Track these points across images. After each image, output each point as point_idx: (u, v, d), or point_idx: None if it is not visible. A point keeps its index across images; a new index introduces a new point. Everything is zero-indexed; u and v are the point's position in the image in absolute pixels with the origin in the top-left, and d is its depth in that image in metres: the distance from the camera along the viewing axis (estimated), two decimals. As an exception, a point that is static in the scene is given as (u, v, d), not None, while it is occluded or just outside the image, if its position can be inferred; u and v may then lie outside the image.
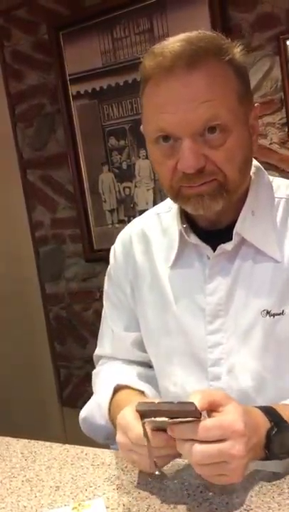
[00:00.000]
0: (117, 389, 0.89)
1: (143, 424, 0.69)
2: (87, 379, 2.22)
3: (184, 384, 0.91)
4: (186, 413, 0.65)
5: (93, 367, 1.08)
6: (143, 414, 0.69)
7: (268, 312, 0.83)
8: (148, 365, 0.99)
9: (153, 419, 0.68)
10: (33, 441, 0.99)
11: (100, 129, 1.94)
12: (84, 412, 0.98)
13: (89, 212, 2.03)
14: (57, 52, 1.94)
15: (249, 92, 0.81)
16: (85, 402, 0.99)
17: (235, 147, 0.77)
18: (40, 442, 0.98)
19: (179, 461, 0.79)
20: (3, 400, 2.18)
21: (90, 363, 2.19)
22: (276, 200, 0.87)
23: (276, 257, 0.83)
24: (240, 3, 1.61)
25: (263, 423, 0.69)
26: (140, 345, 0.98)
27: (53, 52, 1.96)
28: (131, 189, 1.93)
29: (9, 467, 0.90)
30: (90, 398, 0.99)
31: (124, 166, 1.92)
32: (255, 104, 0.83)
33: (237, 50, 0.78)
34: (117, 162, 1.94)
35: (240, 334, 0.85)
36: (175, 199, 0.84)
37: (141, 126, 0.84)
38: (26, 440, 1.00)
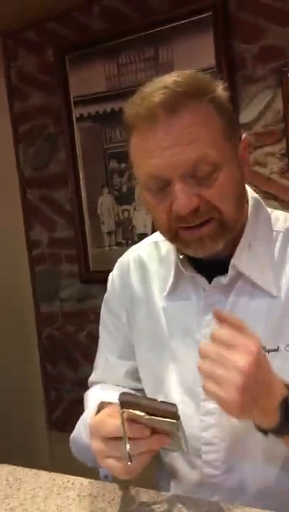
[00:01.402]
0: (102, 406, 0.87)
1: (122, 414, 0.68)
2: (77, 402, 2.18)
3: None
4: (165, 412, 0.65)
5: (84, 390, 1.06)
6: (123, 404, 0.68)
7: (262, 348, 0.81)
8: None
9: (132, 410, 0.67)
10: (18, 467, 0.97)
11: (101, 152, 1.95)
12: (73, 433, 0.96)
13: (86, 233, 2.02)
14: (62, 75, 1.97)
15: (235, 126, 0.81)
16: (73, 426, 0.97)
17: (227, 183, 0.76)
18: (26, 469, 0.95)
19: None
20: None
21: (80, 386, 2.16)
22: (274, 233, 0.86)
23: (272, 292, 0.82)
24: (244, 34, 1.64)
25: (279, 384, 0.70)
26: (133, 375, 0.96)
27: (58, 74, 1.98)
28: (130, 212, 1.93)
29: (-7, 495, 0.88)
30: (79, 422, 0.98)
31: (124, 188, 1.93)
32: (243, 135, 0.83)
33: (219, 88, 0.79)
34: (117, 185, 1.94)
35: None
36: (173, 242, 0.83)
37: (133, 169, 0.83)
38: (12, 466, 0.97)
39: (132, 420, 0.68)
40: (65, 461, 1.00)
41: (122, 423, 0.68)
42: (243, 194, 0.83)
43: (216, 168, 0.75)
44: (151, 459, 0.73)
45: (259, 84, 1.64)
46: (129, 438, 0.68)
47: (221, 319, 0.70)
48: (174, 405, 0.65)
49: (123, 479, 0.74)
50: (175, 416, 0.65)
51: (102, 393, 0.93)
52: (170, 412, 0.65)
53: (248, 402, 0.66)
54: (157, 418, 0.66)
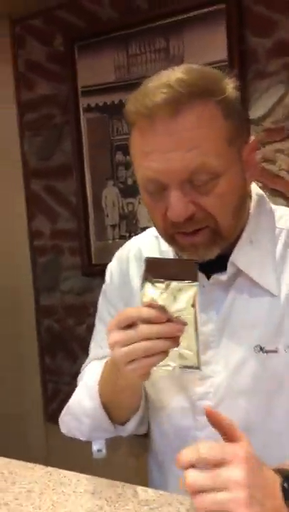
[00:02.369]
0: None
1: (143, 281, 0.68)
2: (75, 396, 2.17)
3: (170, 416, 0.87)
4: (184, 271, 0.67)
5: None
6: (147, 267, 0.68)
7: (261, 348, 0.79)
8: None
9: (153, 279, 0.67)
10: (14, 460, 0.95)
11: (107, 143, 1.92)
12: (67, 404, 0.94)
13: (90, 225, 2.00)
14: (70, 64, 1.94)
15: (242, 127, 0.76)
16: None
17: (227, 191, 0.73)
18: (21, 462, 0.94)
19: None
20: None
21: (79, 380, 2.15)
22: (277, 230, 0.83)
23: (272, 291, 0.79)
24: (257, 28, 1.61)
25: (276, 478, 0.63)
26: None
27: (66, 63, 1.95)
28: (134, 205, 1.90)
29: (-13, 488, 0.86)
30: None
31: (130, 181, 1.90)
32: (252, 137, 0.79)
33: (229, 87, 0.74)
34: (122, 177, 1.92)
35: (231, 369, 0.81)
36: (170, 244, 0.81)
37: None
38: (7, 459, 0.95)
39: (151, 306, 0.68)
40: (61, 454, 0.98)
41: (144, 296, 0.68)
42: (244, 201, 0.80)
43: (216, 176, 0.72)
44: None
45: (271, 79, 1.61)
46: (146, 322, 0.67)
47: (212, 418, 0.65)
48: (192, 261, 0.69)
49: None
50: (193, 276, 0.67)
51: (99, 364, 0.90)
52: (190, 267, 0.67)
53: (258, 508, 0.60)
54: (176, 282, 0.67)
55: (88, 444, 0.97)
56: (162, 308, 0.67)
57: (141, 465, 1.89)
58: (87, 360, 1.02)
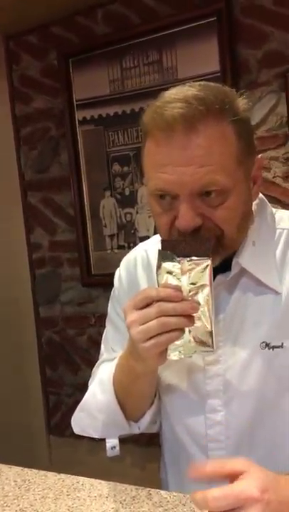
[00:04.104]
0: None
1: (159, 267, 0.73)
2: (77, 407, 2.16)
3: (181, 414, 0.89)
4: (198, 249, 0.71)
5: (84, 395, 1.06)
6: (163, 245, 0.73)
7: (267, 344, 0.82)
8: None
9: (168, 263, 0.72)
10: (26, 469, 0.95)
11: (104, 155, 1.95)
12: (81, 401, 0.96)
13: (88, 236, 2.02)
14: (65, 78, 1.97)
15: (251, 147, 0.79)
16: (73, 432, 0.95)
17: (235, 206, 0.76)
18: (33, 470, 0.94)
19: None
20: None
21: (80, 391, 2.14)
22: (278, 231, 0.86)
23: (276, 288, 0.82)
24: (249, 39, 1.65)
25: None
26: None
27: (61, 78, 1.98)
28: (132, 215, 1.93)
29: (1, 495, 0.86)
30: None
31: (127, 191, 1.93)
32: (259, 156, 0.82)
33: (240, 103, 0.77)
34: (119, 188, 1.94)
35: (239, 366, 0.83)
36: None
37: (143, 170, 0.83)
38: (19, 468, 0.96)
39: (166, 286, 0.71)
40: (64, 467, 0.98)
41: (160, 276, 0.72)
42: (249, 214, 0.83)
43: (225, 193, 0.75)
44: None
45: (263, 89, 1.65)
46: (162, 300, 0.71)
47: (201, 475, 0.63)
48: (207, 241, 0.72)
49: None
50: (207, 253, 0.71)
51: (112, 363, 0.92)
52: (204, 250, 0.71)
53: None
54: (191, 261, 0.71)
55: (91, 456, 0.98)
56: (178, 288, 0.71)
57: (145, 476, 1.89)
58: (98, 363, 1.04)
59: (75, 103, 1.97)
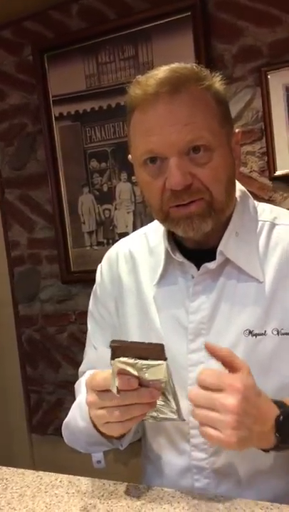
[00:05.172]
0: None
1: (114, 363, 0.70)
2: (59, 404, 2.15)
3: None
4: (152, 352, 0.69)
5: (65, 392, 1.05)
6: (114, 352, 0.70)
7: (250, 332, 0.84)
8: None
9: (122, 359, 0.69)
10: (4, 467, 0.95)
11: (81, 151, 1.94)
12: (66, 419, 0.96)
13: (67, 233, 2.01)
14: (41, 74, 1.95)
15: (229, 117, 0.85)
16: (55, 429, 0.95)
17: (220, 166, 0.80)
18: (11, 469, 0.94)
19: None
20: None
21: (62, 388, 2.14)
22: (260, 223, 0.89)
23: (258, 277, 0.84)
24: (223, 34, 1.66)
25: (271, 407, 0.73)
26: None
27: (36, 73, 1.96)
28: (111, 211, 1.92)
29: (-22, 495, 0.86)
30: (61, 425, 0.97)
31: (105, 188, 1.92)
32: (236, 130, 0.86)
33: (216, 80, 0.83)
34: (97, 184, 1.93)
35: None
36: (164, 222, 0.86)
37: (129, 156, 0.87)
38: (-3, 466, 0.95)
39: (122, 373, 0.70)
40: (46, 465, 0.98)
41: (113, 373, 0.69)
42: (233, 182, 0.86)
43: (210, 150, 0.79)
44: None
45: (238, 84, 1.66)
46: (120, 390, 0.70)
47: (211, 352, 0.73)
48: (161, 345, 0.69)
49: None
50: (162, 356, 0.68)
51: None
52: (158, 349, 0.69)
53: (245, 436, 0.68)
54: (146, 362, 0.69)
55: (73, 454, 0.98)
56: (134, 375, 0.69)
57: (129, 471, 1.89)
58: (83, 362, 1.04)
59: (51, 99, 1.96)
